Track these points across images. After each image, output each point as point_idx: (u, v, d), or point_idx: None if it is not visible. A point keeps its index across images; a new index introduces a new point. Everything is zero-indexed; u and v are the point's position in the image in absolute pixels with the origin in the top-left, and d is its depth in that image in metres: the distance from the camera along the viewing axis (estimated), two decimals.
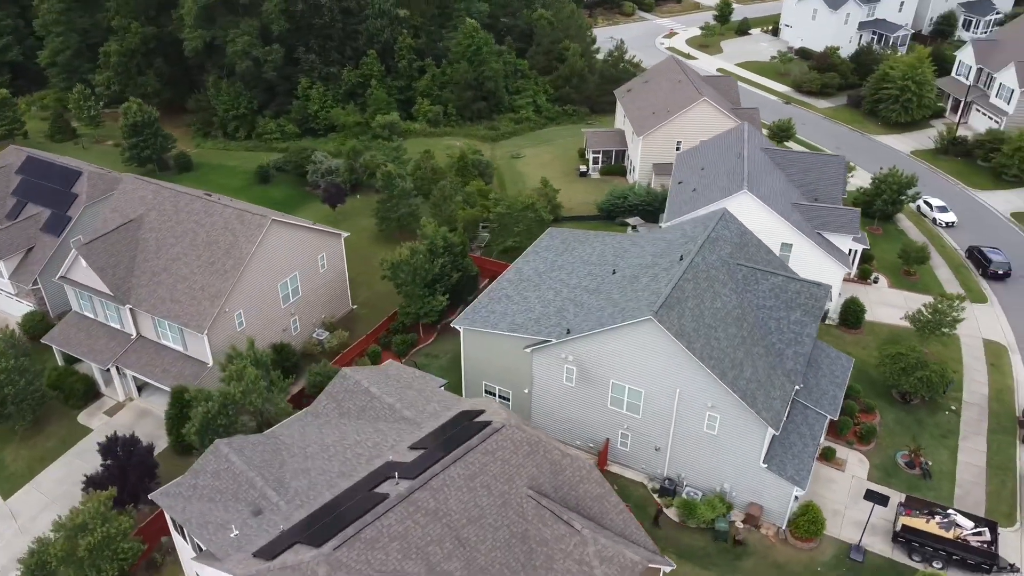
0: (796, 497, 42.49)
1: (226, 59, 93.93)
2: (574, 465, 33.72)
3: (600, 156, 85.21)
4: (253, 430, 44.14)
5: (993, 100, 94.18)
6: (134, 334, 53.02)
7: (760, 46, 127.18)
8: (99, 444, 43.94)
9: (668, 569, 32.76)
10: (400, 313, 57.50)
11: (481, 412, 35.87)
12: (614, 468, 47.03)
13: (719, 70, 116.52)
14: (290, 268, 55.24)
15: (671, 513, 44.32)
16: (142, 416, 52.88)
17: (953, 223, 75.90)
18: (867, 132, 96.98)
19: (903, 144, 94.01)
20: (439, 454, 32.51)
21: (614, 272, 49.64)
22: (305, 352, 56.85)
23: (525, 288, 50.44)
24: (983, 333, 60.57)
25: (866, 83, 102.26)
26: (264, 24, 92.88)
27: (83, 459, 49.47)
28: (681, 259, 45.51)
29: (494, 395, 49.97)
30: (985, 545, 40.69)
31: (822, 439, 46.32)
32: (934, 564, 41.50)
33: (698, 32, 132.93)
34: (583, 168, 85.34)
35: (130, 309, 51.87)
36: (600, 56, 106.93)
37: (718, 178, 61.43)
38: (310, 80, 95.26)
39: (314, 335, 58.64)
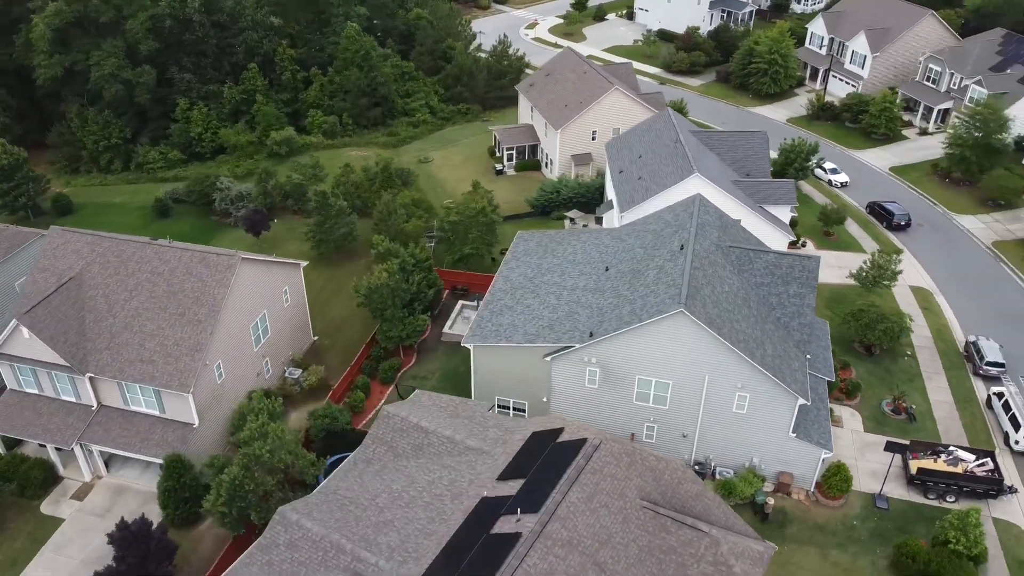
0: (823, 460, 44.96)
1: (89, 85, 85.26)
2: (670, 468, 33.90)
3: (514, 153, 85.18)
4: (279, 490, 40.86)
5: (848, 66, 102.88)
6: (95, 405, 47.40)
7: (620, 31, 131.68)
8: (110, 536, 38.91)
9: (772, 552, 33.75)
10: (381, 338, 54.98)
11: (560, 430, 35.19)
12: None
13: (589, 56, 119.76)
14: (259, 307, 51.38)
15: None
16: (119, 493, 47.45)
17: (846, 183, 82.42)
18: (742, 105, 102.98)
19: (777, 113, 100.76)
20: (546, 480, 31.62)
21: (607, 269, 50.04)
22: (284, 394, 53.13)
23: (522, 296, 49.78)
24: (907, 280, 66.49)
25: (732, 59, 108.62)
26: (130, 44, 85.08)
27: (65, 554, 43.78)
28: (682, 248, 46.56)
29: (508, 408, 49.08)
30: (990, 473, 45.01)
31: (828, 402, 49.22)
32: (947, 499, 45.39)
33: (559, 21, 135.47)
34: (499, 167, 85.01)
35: (90, 378, 46.26)
36: (480, 53, 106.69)
37: (661, 164, 63.19)
38: (189, 101, 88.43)
39: (286, 374, 54.93)
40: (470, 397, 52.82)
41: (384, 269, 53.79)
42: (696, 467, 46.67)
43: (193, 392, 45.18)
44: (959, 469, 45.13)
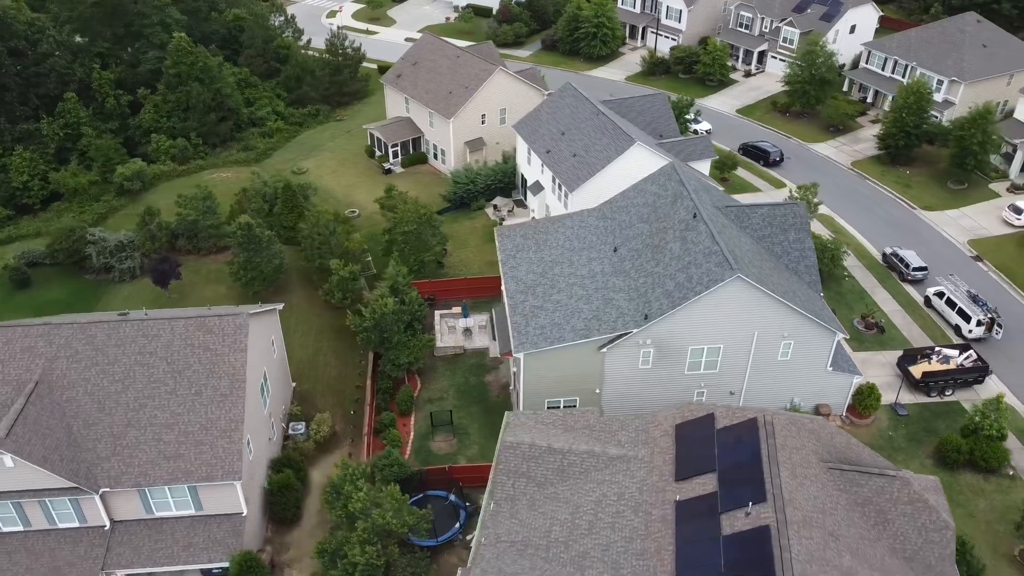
0: (854, 384, 49.05)
1: None
2: (821, 424, 35.33)
3: (399, 149, 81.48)
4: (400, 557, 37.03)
5: (665, 22, 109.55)
6: (107, 524, 39.61)
7: (425, 10, 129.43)
8: None
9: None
10: (389, 367, 50.90)
11: (710, 416, 35.26)
12: None
13: (407, 39, 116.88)
14: (261, 364, 45.44)
15: None
16: None
17: (710, 130, 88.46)
18: (579, 70, 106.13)
19: (614, 74, 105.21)
20: (747, 468, 31.71)
21: (615, 250, 50.15)
22: (302, 454, 47.71)
23: (545, 293, 48.50)
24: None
25: (555, 26, 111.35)
26: None
27: None
28: (695, 217, 47.81)
29: (558, 408, 47.91)
30: (976, 362, 51.73)
31: None
32: (946, 393, 51.60)
33: (361, 6, 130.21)
34: (386, 165, 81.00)
35: (102, 495, 38.49)
36: (310, 50, 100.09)
37: (592, 138, 63.89)
38: (1, 146, 74.34)
39: (291, 431, 49.32)
40: (498, 406, 51.09)
41: (381, 295, 49.64)
42: None
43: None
44: (952, 365, 51.40)
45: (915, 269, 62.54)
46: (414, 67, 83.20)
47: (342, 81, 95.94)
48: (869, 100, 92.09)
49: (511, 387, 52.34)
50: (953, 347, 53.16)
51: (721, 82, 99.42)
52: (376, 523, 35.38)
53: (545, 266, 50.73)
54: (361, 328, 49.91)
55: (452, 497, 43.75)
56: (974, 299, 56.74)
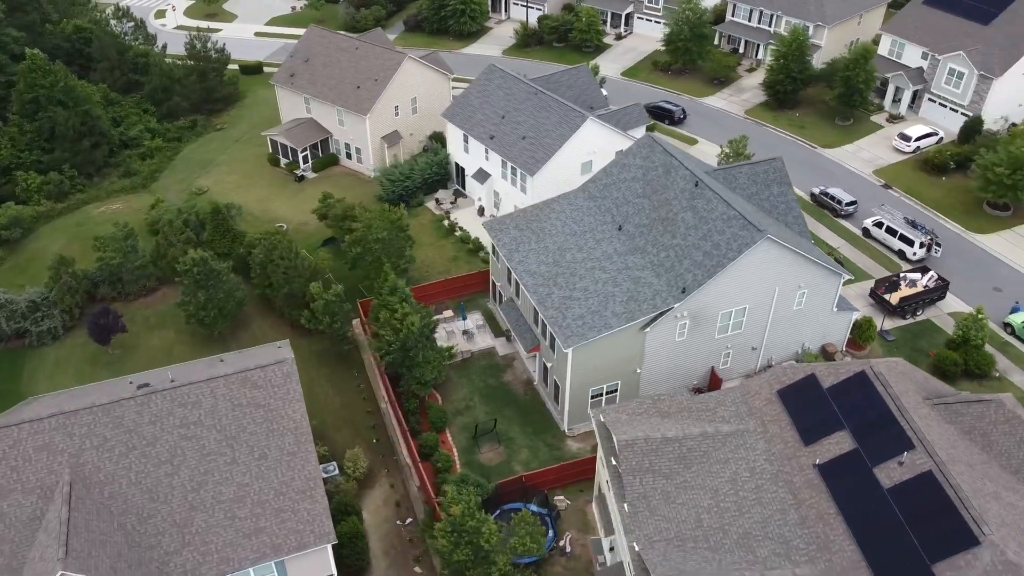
0: (852, 319, 52.40)
1: None
2: (904, 366, 37.49)
3: (308, 154, 76.17)
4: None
5: None
6: None
7: (265, 1, 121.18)
8: None
9: None
10: (415, 387, 47.92)
11: (811, 376, 36.35)
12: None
13: (257, 34, 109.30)
14: None
15: None
16: None
17: (606, 96, 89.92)
18: (451, 49, 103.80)
19: (489, 49, 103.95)
20: (878, 419, 33.05)
21: (620, 228, 50.05)
22: (348, 495, 44.17)
23: (570, 282, 47.56)
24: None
25: (419, 6, 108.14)
26: None
27: None
28: (697, 185, 48.63)
29: (601, 396, 47.45)
30: (939, 281, 56.86)
31: None
32: (917, 314, 56.43)
33: (192, 1, 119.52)
34: (298, 172, 75.56)
35: None
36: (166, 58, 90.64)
37: (539, 118, 62.96)
38: None
39: (324, 475, 45.45)
40: (530, 405, 49.91)
41: (405, 314, 46.33)
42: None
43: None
44: (920, 288, 56.22)
45: (847, 204, 67.46)
46: (307, 64, 77.73)
47: (211, 87, 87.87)
48: (740, 51, 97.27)
49: (535, 383, 51.19)
50: (914, 271, 58.09)
51: (597, 47, 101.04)
52: (517, 551, 33.57)
53: (554, 254, 49.72)
54: (387, 352, 46.63)
55: (533, 507, 42.33)
56: (912, 224, 62.20)
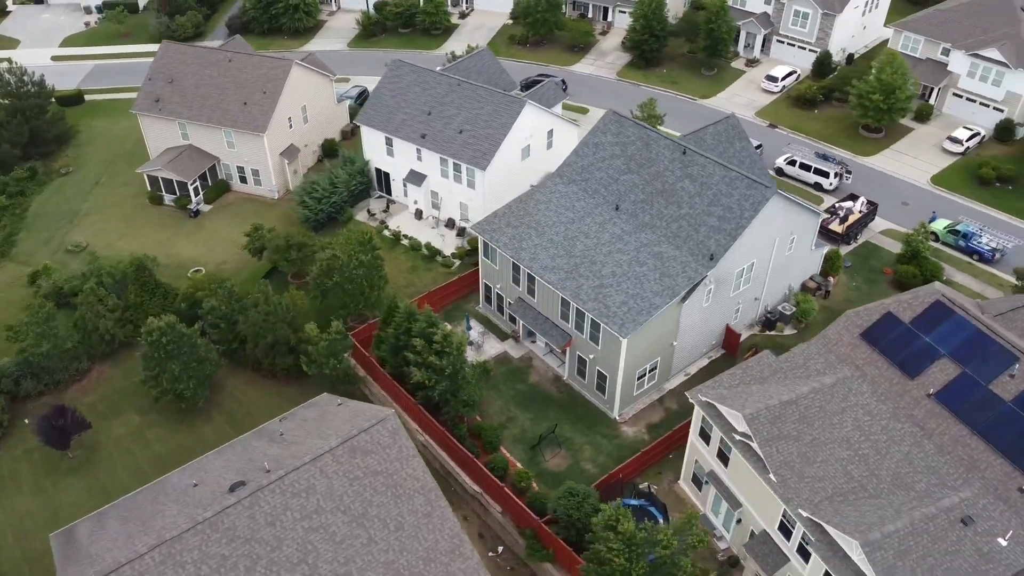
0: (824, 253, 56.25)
1: None
2: (953, 290, 40.92)
3: (197, 185, 68.16)
4: None
5: None
6: None
7: (45, 18, 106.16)
8: None
9: None
10: (465, 410, 45.06)
11: (888, 314, 38.67)
12: None
13: (56, 59, 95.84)
14: None
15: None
16: None
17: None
18: (289, 48, 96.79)
19: (331, 44, 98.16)
20: (968, 340, 35.98)
21: (617, 208, 49.89)
22: None
23: (595, 271, 46.87)
24: None
25: (243, 10, 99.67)
26: None
27: None
28: (685, 153, 49.51)
29: (644, 376, 47.44)
30: (870, 205, 62.35)
31: None
32: (858, 238, 61.67)
33: None
34: (192, 207, 67.55)
35: None
36: None
37: (472, 109, 60.84)
38: None
39: None
40: (570, 402, 48.98)
41: (446, 334, 43.10)
42: (765, 319, 53.48)
43: None
44: (858, 214, 61.44)
45: (755, 148, 71.77)
46: (173, 86, 69.15)
47: (38, 127, 75.77)
48: (589, 16, 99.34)
49: (565, 378, 50.11)
50: (845, 200, 63.26)
51: (446, 29, 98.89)
52: (691, 549, 32.94)
53: (563, 246, 48.65)
54: (437, 382, 43.32)
55: (631, 501, 41.71)
56: (823, 157, 67.61)
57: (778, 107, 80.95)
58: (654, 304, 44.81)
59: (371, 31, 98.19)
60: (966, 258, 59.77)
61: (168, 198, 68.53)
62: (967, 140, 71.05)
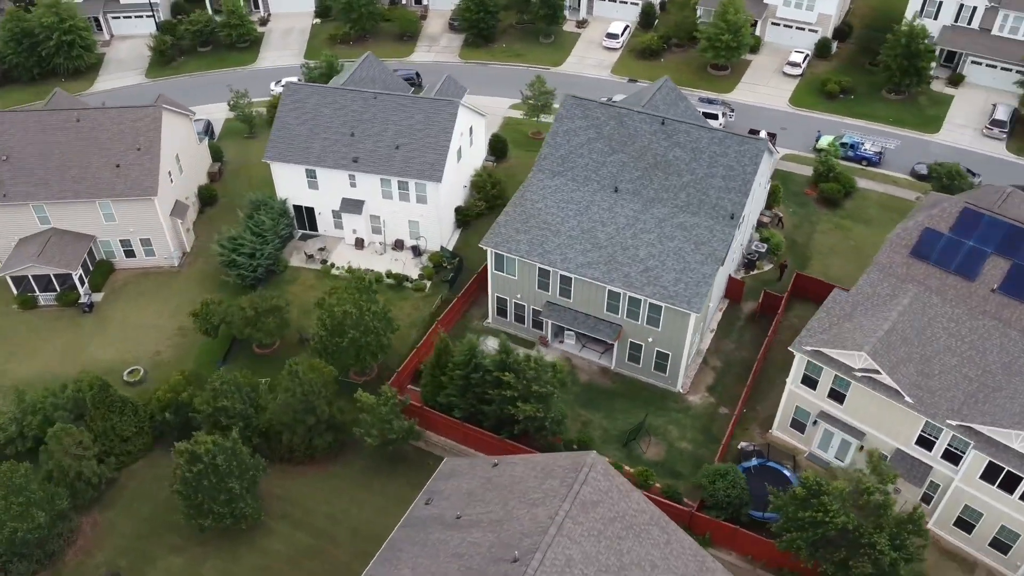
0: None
1: None
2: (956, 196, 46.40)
3: (81, 272, 57.17)
4: None
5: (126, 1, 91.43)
6: None
7: None
8: None
9: None
10: (560, 427, 43.16)
11: (926, 229, 43.08)
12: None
13: None
14: None
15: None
16: None
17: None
18: (74, 92, 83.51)
19: (125, 79, 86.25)
20: (1012, 235, 41.48)
21: (616, 190, 49.95)
22: None
23: (626, 254, 46.89)
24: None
25: None
26: None
27: None
28: (664, 123, 50.58)
29: (694, 347, 48.60)
30: (771, 137, 67.83)
31: None
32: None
33: None
34: (83, 301, 56.81)
35: None
36: None
37: (402, 120, 57.11)
38: None
39: None
40: (627, 389, 49.07)
41: (539, 362, 40.66)
42: (748, 257, 56.93)
43: None
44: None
45: None
46: (11, 163, 56.82)
47: None
48: (402, 2, 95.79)
49: (614, 368, 49.77)
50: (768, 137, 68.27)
51: (252, 41, 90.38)
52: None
53: (585, 240, 48.04)
54: (543, 417, 41.06)
55: (752, 462, 43.15)
56: (709, 101, 72.30)
57: (626, 62, 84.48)
58: (705, 274, 45.94)
59: (168, 56, 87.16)
60: (858, 166, 67.52)
61: (45, 298, 56.81)
62: (802, 62, 79.42)
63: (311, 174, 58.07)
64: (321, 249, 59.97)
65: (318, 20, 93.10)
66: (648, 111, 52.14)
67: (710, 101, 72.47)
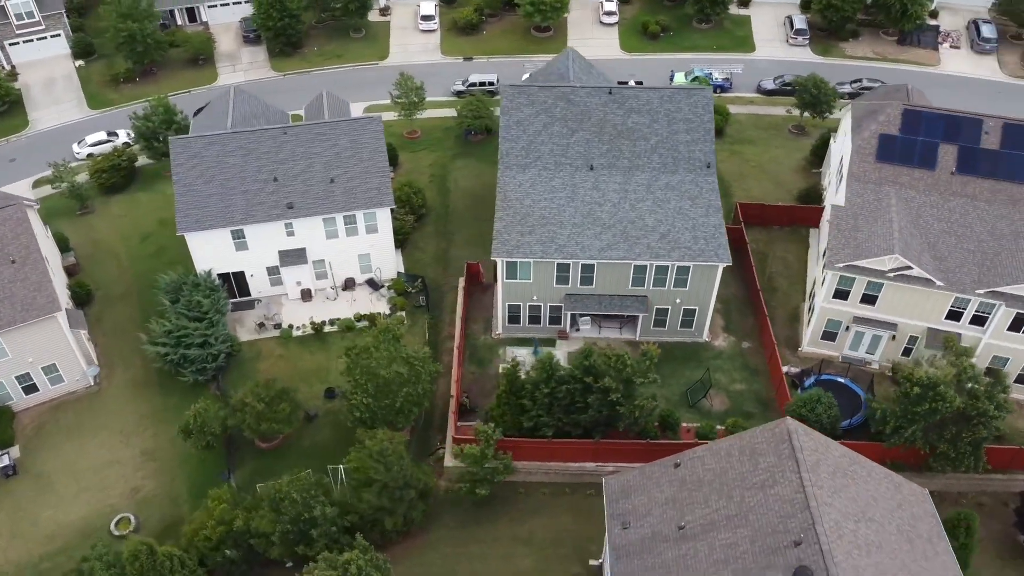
0: None
1: None
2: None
3: None
4: None
5: None
6: None
7: None
8: None
9: None
10: (645, 413, 43.03)
11: (880, 136, 48.50)
12: None
13: None
14: None
15: None
16: None
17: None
18: None
19: None
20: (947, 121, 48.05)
21: (591, 168, 49.87)
22: None
23: (635, 227, 47.39)
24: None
25: None
26: None
27: None
28: (611, 92, 51.12)
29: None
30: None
31: None
32: None
33: None
34: (5, 463, 45.46)
35: None
36: None
37: (327, 151, 51.92)
38: None
39: None
40: (666, 348, 50.13)
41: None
42: None
43: None
44: None
45: (490, 84, 73.82)
46: None
47: None
48: (180, 23, 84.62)
49: (638, 337, 50.23)
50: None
51: (12, 101, 75.42)
52: None
53: (592, 224, 47.87)
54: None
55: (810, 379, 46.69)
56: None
57: (451, 40, 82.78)
58: (714, 224, 47.81)
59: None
60: (714, 95, 73.09)
61: None
62: (615, 9, 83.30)
63: (238, 235, 50.82)
64: (274, 314, 53.05)
65: (81, 62, 79.76)
66: (592, 85, 52.39)
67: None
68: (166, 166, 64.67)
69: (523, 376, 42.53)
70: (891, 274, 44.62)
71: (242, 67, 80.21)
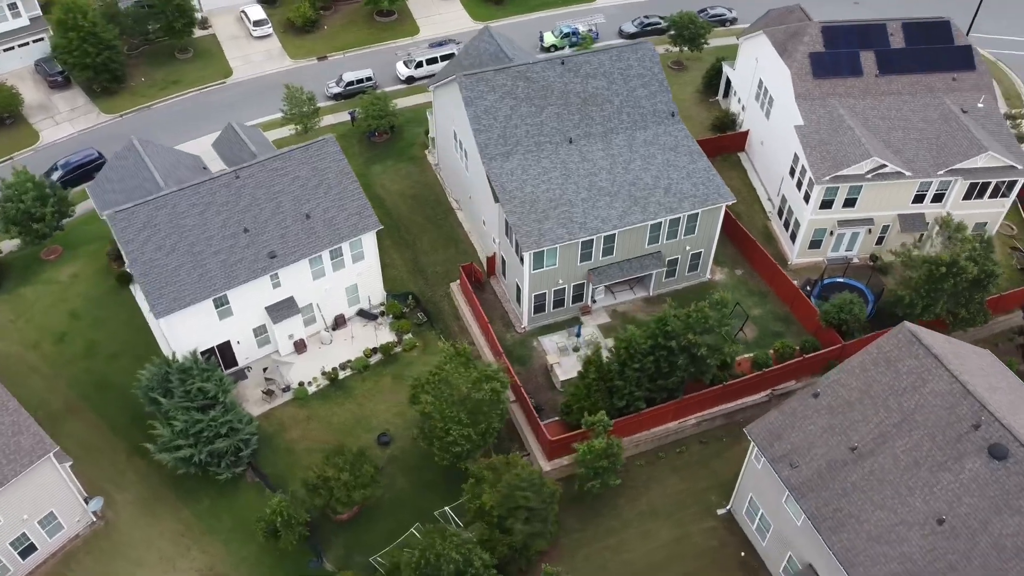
0: None
1: None
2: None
3: None
4: None
5: None
6: None
7: None
8: None
9: None
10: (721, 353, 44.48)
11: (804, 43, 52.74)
12: None
13: None
14: None
15: None
16: None
17: None
18: None
19: None
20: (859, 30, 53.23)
21: (571, 141, 49.46)
22: None
23: (636, 187, 47.95)
24: None
25: None
26: None
27: None
28: (563, 63, 50.51)
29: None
30: None
31: None
32: None
33: None
34: None
35: None
36: None
37: (295, 186, 46.88)
38: None
39: None
40: (678, 295, 51.84)
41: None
42: None
43: None
44: None
45: (367, 80, 69.74)
46: None
47: None
48: None
49: (651, 294, 51.26)
50: None
51: None
52: None
53: (599, 195, 47.71)
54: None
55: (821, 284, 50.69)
56: (439, 44, 71.48)
57: (292, 42, 76.90)
58: (702, 167, 49.44)
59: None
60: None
61: None
62: None
63: (221, 302, 44.68)
64: (275, 379, 47.50)
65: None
66: (513, 64, 51.16)
67: (440, 44, 71.66)
68: (40, 249, 55.50)
69: (606, 359, 42.20)
70: (869, 175, 49.35)
71: (63, 117, 69.13)
